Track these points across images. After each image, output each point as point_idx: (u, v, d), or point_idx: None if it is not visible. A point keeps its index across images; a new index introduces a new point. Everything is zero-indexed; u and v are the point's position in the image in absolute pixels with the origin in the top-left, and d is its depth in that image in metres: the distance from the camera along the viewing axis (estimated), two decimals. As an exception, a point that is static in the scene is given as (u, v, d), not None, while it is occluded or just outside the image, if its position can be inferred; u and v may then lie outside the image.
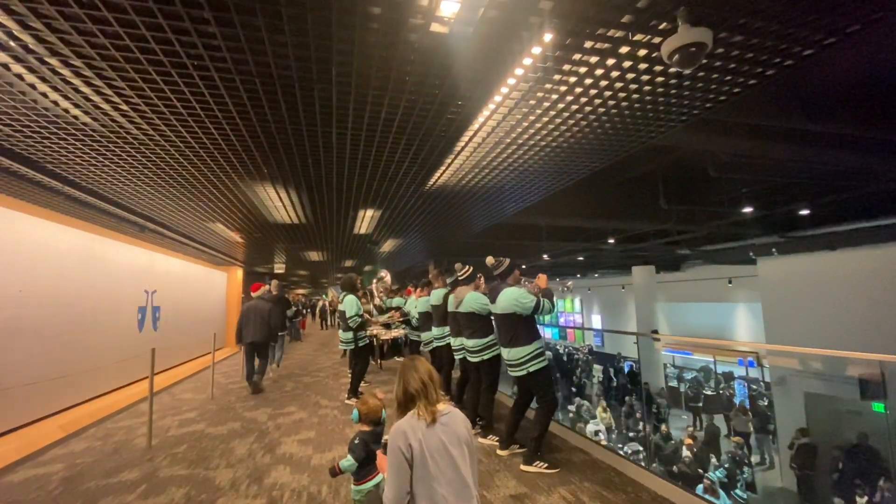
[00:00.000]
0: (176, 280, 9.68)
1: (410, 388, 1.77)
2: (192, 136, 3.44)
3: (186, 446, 4.29)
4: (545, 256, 14.39)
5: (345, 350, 6.75)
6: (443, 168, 4.39)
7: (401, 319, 8.08)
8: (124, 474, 3.65)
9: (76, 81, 2.59)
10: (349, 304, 5.87)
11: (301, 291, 29.90)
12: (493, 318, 4.11)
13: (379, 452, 2.03)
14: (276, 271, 14.20)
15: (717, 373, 16.41)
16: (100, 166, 4.06)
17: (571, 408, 12.25)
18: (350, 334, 5.88)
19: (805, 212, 7.80)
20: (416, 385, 1.77)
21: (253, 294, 7.12)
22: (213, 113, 3.04)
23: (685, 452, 7.98)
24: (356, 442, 2.42)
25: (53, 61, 2.38)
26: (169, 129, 3.28)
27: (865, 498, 6.34)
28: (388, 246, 9.64)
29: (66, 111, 2.97)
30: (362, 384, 6.28)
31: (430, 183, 4.87)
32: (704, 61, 2.45)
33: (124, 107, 2.92)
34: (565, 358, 19.69)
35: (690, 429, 9.46)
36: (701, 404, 14.08)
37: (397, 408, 1.80)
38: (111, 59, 2.36)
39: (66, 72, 2.49)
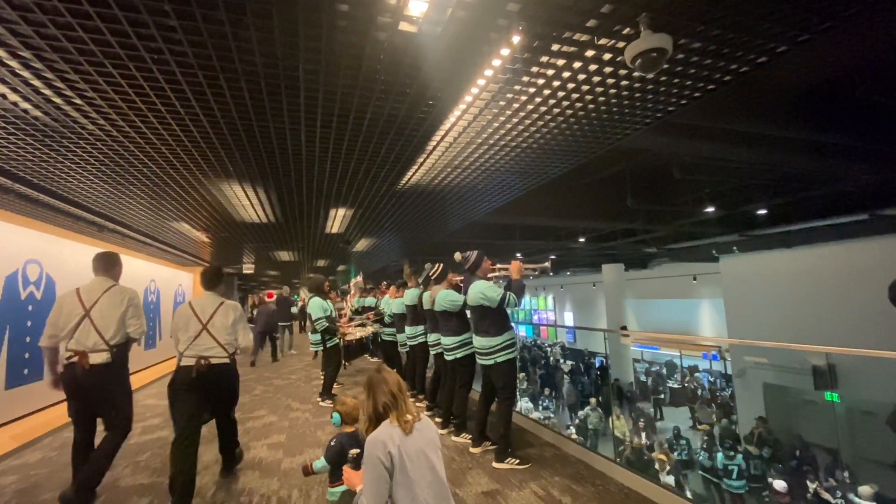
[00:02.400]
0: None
1: (380, 404, 1.80)
2: (152, 133, 3.32)
3: (149, 454, 4.14)
4: (518, 255, 14.58)
5: (316, 352, 6.70)
6: (415, 167, 4.38)
7: (374, 319, 8.02)
8: (82, 485, 3.49)
9: (25, 74, 2.46)
10: (315, 306, 5.86)
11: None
12: (467, 310, 4.16)
13: (346, 468, 2.02)
14: (245, 271, 13.85)
15: (682, 367, 17.01)
16: (53, 163, 3.86)
17: (581, 414, 11.40)
18: (318, 336, 5.88)
19: (763, 211, 8.18)
20: (387, 399, 1.80)
21: (267, 300, 11.22)
22: (175, 109, 2.94)
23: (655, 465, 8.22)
24: (332, 444, 2.40)
25: (0, 52, 2.25)
26: (128, 124, 3.15)
27: (816, 483, 6.71)
28: (361, 245, 9.54)
29: (15, 104, 2.81)
30: (335, 386, 6.21)
31: (403, 182, 4.86)
32: (666, 66, 2.54)
33: (78, 101, 2.78)
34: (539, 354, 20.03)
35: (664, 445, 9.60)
36: (662, 396, 14.62)
37: (369, 423, 1.81)
38: (63, 50, 2.25)
39: (13, 63, 2.35)
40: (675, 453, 8.98)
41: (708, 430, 9.12)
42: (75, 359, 2.97)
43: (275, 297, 11.20)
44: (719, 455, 7.74)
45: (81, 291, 3.12)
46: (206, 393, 3.12)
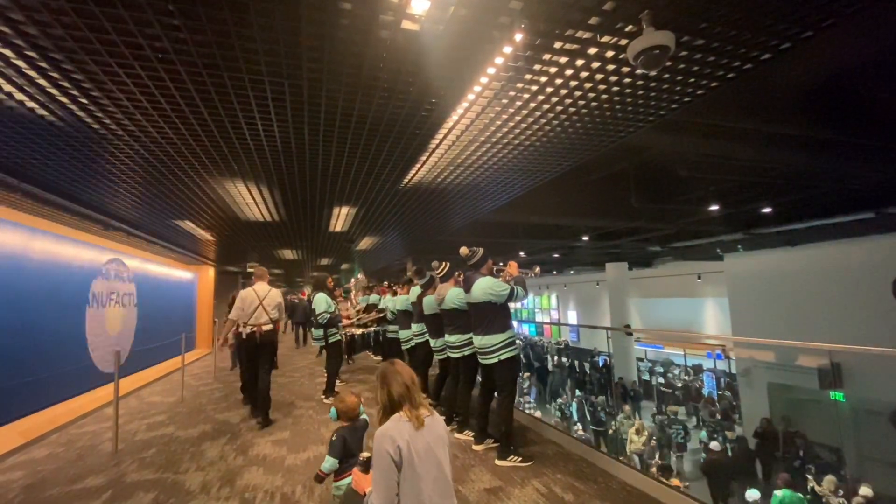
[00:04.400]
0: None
1: (395, 394, 1.80)
2: (157, 132, 3.34)
3: (155, 450, 4.18)
4: (522, 254, 14.56)
5: (320, 349, 6.76)
6: (418, 165, 4.39)
7: (377, 317, 8.06)
8: (89, 480, 3.54)
9: (32, 73, 2.48)
10: (318, 301, 5.94)
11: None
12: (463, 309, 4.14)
13: (355, 470, 2.04)
14: (249, 270, 13.89)
15: (686, 365, 16.95)
16: (59, 161, 3.90)
17: (614, 423, 10.84)
18: (321, 331, 5.93)
19: (767, 210, 8.13)
20: (401, 390, 1.80)
21: (302, 297, 12.07)
22: (180, 108, 2.96)
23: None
24: (334, 440, 2.42)
25: (7, 52, 2.27)
26: (133, 123, 3.18)
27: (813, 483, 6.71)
28: (364, 244, 9.56)
29: (22, 103, 2.84)
30: (339, 383, 6.24)
31: (406, 180, 4.87)
32: (668, 63, 2.53)
33: (84, 100, 2.81)
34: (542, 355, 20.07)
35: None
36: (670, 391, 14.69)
37: (382, 413, 1.82)
38: (68, 50, 2.27)
39: (20, 63, 2.38)
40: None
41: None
42: (256, 329, 4.79)
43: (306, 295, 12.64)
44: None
45: (256, 291, 4.91)
46: (259, 348, 4.85)
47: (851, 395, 8.33)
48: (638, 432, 9.24)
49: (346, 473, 2.36)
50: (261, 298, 4.86)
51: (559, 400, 13.84)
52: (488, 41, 2.37)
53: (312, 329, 6.19)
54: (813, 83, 4.11)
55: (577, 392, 13.84)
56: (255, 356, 4.92)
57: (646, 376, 16.46)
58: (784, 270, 10.28)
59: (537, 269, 4.40)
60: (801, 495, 6.74)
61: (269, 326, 4.85)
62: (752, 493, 6.79)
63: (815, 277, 9.63)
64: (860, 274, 8.71)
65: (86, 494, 3.28)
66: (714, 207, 7.56)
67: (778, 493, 6.87)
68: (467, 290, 3.86)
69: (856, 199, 7.25)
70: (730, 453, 8.70)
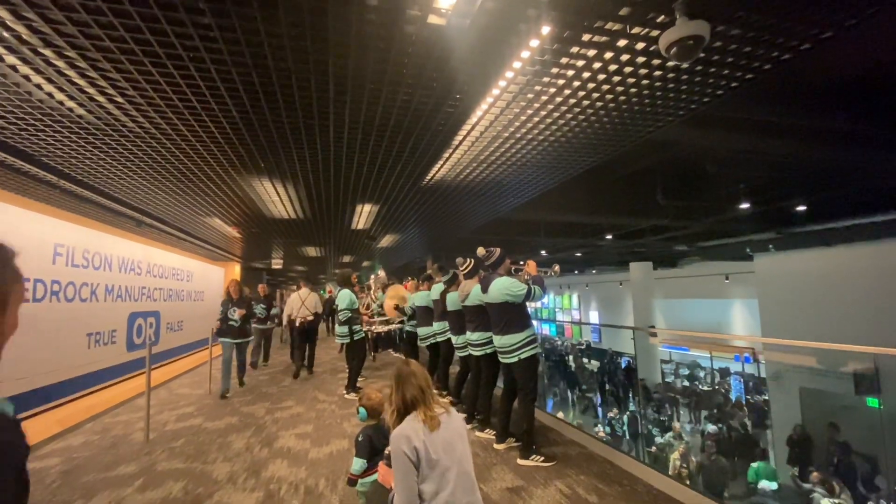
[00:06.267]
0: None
1: (409, 397, 1.80)
2: (188, 130, 3.42)
3: (184, 440, 4.29)
4: (543, 252, 14.42)
5: (342, 345, 6.82)
6: (441, 162, 4.38)
7: (400, 318, 8.09)
8: (122, 468, 3.66)
9: (70, 73, 2.57)
10: (343, 297, 6.00)
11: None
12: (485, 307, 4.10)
13: (381, 464, 2.05)
14: (274, 266, 14.17)
15: (713, 368, 16.49)
16: (95, 160, 4.04)
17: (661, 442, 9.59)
18: (345, 328, 5.95)
19: (801, 208, 7.83)
20: (415, 392, 1.80)
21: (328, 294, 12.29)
22: (210, 106, 3.02)
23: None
24: (360, 440, 2.44)
25: (47, 52, 2.36)
26: (165, 121, 3.26)
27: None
28: (386, 241, 9.62)
29: (61, 103, 2.95)
30: (360, 379, 6.30)
31: (428, 177, 4.86)
32: (702, 55, 2.44)
33: (119, 99, 2.90)
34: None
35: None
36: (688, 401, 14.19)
37: (396, 415, 1.81)
38: (106, 49, 2.34)
39: (60, 63, 2.47)
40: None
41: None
42: (302, 320, 7.32)
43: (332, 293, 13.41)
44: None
45: (300, 294, 7.55)
46: (305, 332, 7.42)
47: (889, 402, 7.95)
48: (682, 457, 8.28)
49: (372, 471, 2.37)
50: (303, 299, 7.46)
51: (609, 414, 12.20)
52: (515, 34, 2.34)
53: (337, 326, 6.26)
54: (854, 74, 3.92)
55: (631, 405, 12.52)
56: (304, 336, 7.50)
57: (669, 378, 16.08)
58: (819, 271, 9.86)
59: (557, 268, 4.32)
60: (773, 467, 8.07)
61: (311, 317, 7.37)
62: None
63: (852, 279, 9.21)
64: (901, 275, 8.29)
65: (119, 482, 3.39)
66: (745, 205, 7.32)
67: (754, 464, 7.98)
68: (484, 290, 3.83)
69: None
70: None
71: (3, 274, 0.81)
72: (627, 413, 11.67)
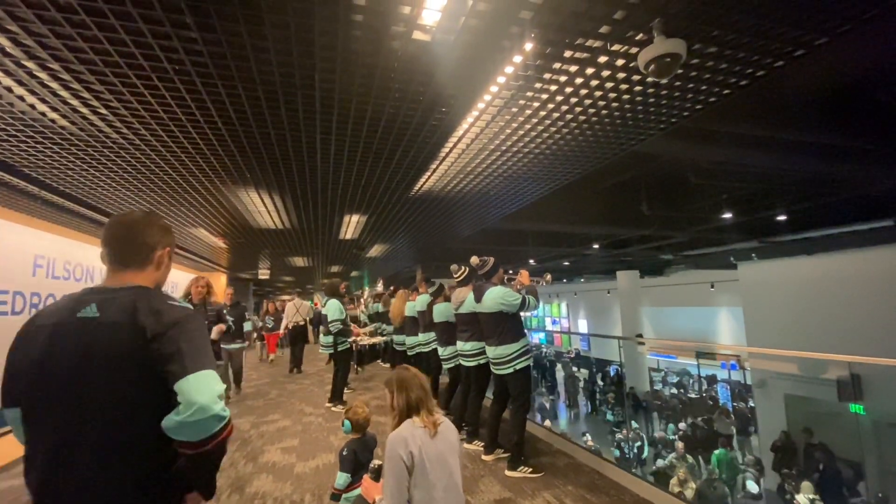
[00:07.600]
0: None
1: (413, 399, 1.79)
2: (173, 141, 3.41)
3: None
4: (531, 261, 14.50)
5: (329, 356, 6.74)
6: (428, 173, 4.41)
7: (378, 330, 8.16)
8: (101, 486, 3.56)
9: (54, 85, 2.56)
10: (331, 308, 5.88)
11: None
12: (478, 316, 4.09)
13: (366, 478, 2.03)
14: (261, 277, 14.03)
15: (700, 376, 16.65)
16: (78, 171, 3.99)
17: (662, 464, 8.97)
18: (330, 338, 5.87)
19: (782, 217, 8.01)
20: (419, 394, 1.79)
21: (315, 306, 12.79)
22: (195, 118, 3.02)
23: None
24: (345, 454, 2.42)
25: (30, 64, 2.34)
26: (150, 133, 3.25)
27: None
28: (374, 251, 9.61)
29: (43, 114, 2.92)
30: (346, 391, 6.24)
31: (416, 188, 4.89)
32: (680, 71, 2.53)
33: (103, 111, 2.88)
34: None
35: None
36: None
37: (398, 418, 1.81)
38: (90, 62, 2.33)
39: (43, 75, 2.45)
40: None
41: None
42: (295, 325, 8.82)
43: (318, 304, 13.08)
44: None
45: (295, 303, 8.98)
46: (299, 335, 8.82)
47: (872, 408, 8.10)
48: (682, 483, 7.98)
49: (356, 485, 2.35)
50: (297, 308, 8.96)
51: (618, 435, 11.40)
52: (498, 51, 2.39)
53: (321, 336, 6.18)
54: (828, 88, 4.06)
55: (634, 424, 11.61)
56: (295, 339, 8.86)
57: (658, 386, 16.19)
58: (801, 279, 10.08)
59: (548, 277, 4.35)
60: (735, 454, 8.84)
61: (302, 323, 8.99)
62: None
63: (832, 287, 9.42)
64: (879, 283, 8.51)
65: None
66: (727, 215, 7.47)
67: (716, 451, 8.64)
68: (478, 299, 3.81)
69: (874, 207, 7.11)
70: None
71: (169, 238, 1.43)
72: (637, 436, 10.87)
